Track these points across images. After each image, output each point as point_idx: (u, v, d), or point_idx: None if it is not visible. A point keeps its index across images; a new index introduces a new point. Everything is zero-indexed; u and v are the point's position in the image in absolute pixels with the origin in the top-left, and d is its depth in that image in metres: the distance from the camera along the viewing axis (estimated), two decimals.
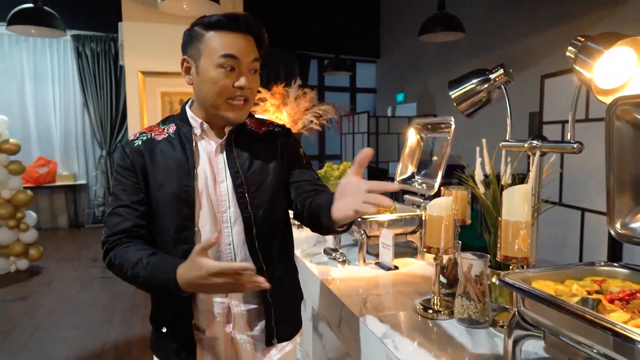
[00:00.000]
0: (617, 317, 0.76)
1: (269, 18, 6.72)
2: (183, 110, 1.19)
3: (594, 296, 0.84)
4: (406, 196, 1.88)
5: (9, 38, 6.09)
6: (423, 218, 1.17)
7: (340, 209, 0.95)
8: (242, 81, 1.07)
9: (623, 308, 0.80)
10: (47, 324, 3.12)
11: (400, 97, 7.65)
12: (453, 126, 1.67)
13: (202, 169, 1.13)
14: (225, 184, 1.14)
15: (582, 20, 4.13)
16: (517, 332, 0.92)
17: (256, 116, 1.29)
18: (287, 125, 3.33)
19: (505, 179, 1.24)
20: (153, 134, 1.17)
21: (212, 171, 1.14)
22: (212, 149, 1.15)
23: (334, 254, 1.73)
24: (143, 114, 3.81)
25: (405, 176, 1.95)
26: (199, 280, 0.93)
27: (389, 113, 7.95)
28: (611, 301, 0.82)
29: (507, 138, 1.29)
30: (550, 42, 4.47)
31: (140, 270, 1.02)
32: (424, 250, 1.18)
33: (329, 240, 2.04)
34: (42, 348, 2.81)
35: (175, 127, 1.17)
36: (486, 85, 1.36)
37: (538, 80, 2.71)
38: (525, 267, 1.02)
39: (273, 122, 1.28)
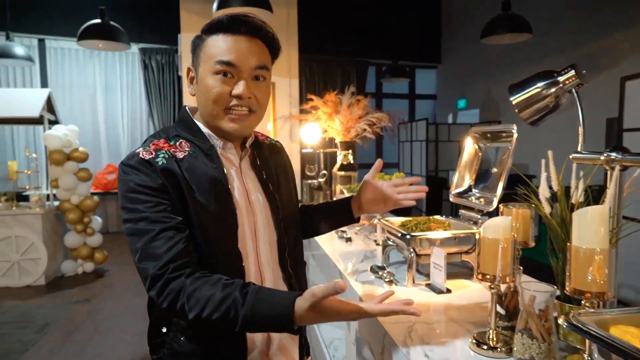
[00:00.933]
0: None
1: (325, 25, 6.71)
2: (188, 122, 1.06)
3: None
4: (462, 211, 1.72)
5: (83, 53, 6.51)
6: (477, 236, 1.04)
7: (370, 208, 1.24)
8: (239, 88, 0.96)
9: None
10: (105, 327, 3.23)
11: (461, 103, 7.34)
12: (515, 135, 1.50)
13: (235, 186, 1.05)
14: (258, 201, 1.06)
15: None
16: None
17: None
18: (341, 133, 3.27)
19: (577, 197, 1.07)
20: (172, 151, 1.01)
21: (244, 187, 1.06)
22: (237, 163, 1.07)
23: (380, 273, 1.60)
24: None
25: (461, 189, 1.79)
26: (323, 319, 0.91)
27: (450, 120, 7.65)
28: None
29: (579, 149, 1.12)
30: (632, 41, 4.07)
31: (237, 309, 0.85)
32: (478, 277, 1.03)
33: (378, 256, 1.92)
34: (98, 351, 2.90)
35: (189, 143, 1.04)
36: (554, 89, 1.20)
37: (616, 83, 2.44)
38: (601, 304, 0.85)
39: (262, 134, 1.23)
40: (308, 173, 3.52)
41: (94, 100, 6.68)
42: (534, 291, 0.96)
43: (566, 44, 4.87)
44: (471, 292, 1.46)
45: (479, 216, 1.61)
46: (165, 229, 0.91)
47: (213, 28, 0.99)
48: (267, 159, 1.13)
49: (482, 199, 1.65)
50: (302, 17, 4.06)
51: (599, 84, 3.86)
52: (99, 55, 6.59)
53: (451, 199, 1.80)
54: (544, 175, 1.08)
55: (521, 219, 1.17)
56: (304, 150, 3.79)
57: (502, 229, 0.99)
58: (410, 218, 1.74)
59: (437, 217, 1.77)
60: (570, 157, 1.11)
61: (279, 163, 1.17)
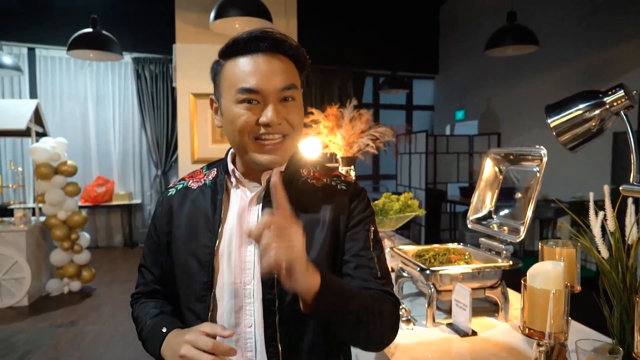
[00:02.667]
0: None
1: (322, 36, 6.60)
2: (226, 154, 1.00)
3: None
4: (482, 240, 1.58)
5: (74, 62, 6.34)
6: (523, 285, 0.88)
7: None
8: (267, 115, 0.83)
9: None
10: (91, 355, 3.03)
11: (459, 114, 7.25)
12: (545, 159, 1.36)
13: (229, 227, 0.92)
14: (253, 248, 0.90)
15: None
16: None
17: (323, 165, 1.01)
18: (343, 148, 3.13)
19: (633, 237, 0.93)
20: (191, 182, 1.00)
21: (240, 230, 0.91)
22: (247, 200, 0.93)
23: None
24: (193, 136, 3.73)
25: (480, 215, 1.65)
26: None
27: (448, 131, 7.55)
28: None
29: (632, 180, 0.98)
30: (637, 52, 3.99)
31: (143, 332, 0.95)
32: (524, 333, 0.88)
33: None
34: None
35: (215, 173, 0.99)
36: (598, 111, 1.06)
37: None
38: None
39: (341, 174, 0.99)
40: None
41: (85, 111, 6.50)
42: (593, 353, 0.82)
43: (569, 56, 4.79)
44: (499, 333, 1.31)
45: (503, 246, 1.47)
46: (142, 265, 1.04)
47: (229, 51, 0.86)
48: (297, 202, 0.89)
49: (505, 227, 1.51)
50: (300, 27, 3.94)
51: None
52: (91, 64, 6.43)
53: (469, 225, 1.65)
54: (599, 215, 0.94)
55: (566, 260, 1.02)
56: None
57: (553, 277, 0.85)
58: (426, 247, 1.59)
59: (456, 245, 1.63)
60: (621, 189, 0.98)
61: (321, 209, 0.91)
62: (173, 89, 6.48)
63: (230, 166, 0.95)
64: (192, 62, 3.71)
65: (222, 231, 0.91)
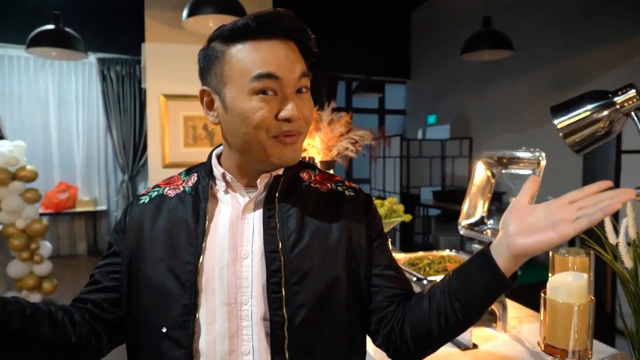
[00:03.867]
0: None
1: None
2: (209, 157, 0.88)
3: None
4: (475, 246, 1.53)
5: (34, 61, 6.03)
6: (543, 298, 0.81)
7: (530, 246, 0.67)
8: (288, 110, 0.73)
9: None
10: None
11: (431, 119, 7.30)
12: (543, 162, 1.32)
13: (217, 239, 0.79)
14: (251, 263, 0.78)
15: None
16: None
17: (318, 167, 0.93)
18: (321, 152, 3.04)
19: None
20: (167, 189, 0.87)
21: (233, 241, 0.79)
22: (240, 208, 0.81)
23: None
24: (165, 140, 3.56)
25: (472, 220, 1.60)
26: None
27: (420, 136, 7.59)
28: None
29: None
30: (612, 57, 4.08)
31: None
32: (544, 350, 0.82)
33: None
34: None
35: (195, 179, 0.86)
36: (607, 112, 1.02)
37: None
38: None
39: (341, 179, 0.92)
40: None
41: (45, 113, 6.17)
42: None
43: (541, 61, 4.87)
44: (499, 345, 1.25)
45: None
46: (93, 273, 0.86)
47: (237, 34, 0.74)
48: (302, 209, 0.81)
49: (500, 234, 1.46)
50: None
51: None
52: (52, 64, 6.12)
53: (461, 232, 1.60)
54: (622, 224, 0.88)
55: (579, 269, 0.96)
56: None
57: (577, 291, 0.79)
58: (418, 255, 1.53)
59: (451, 254, 1.57)
60: (638, 196, 0.93)
61: (330, 218, 0.82)
62: (141, 91, 6.24)
63: (219, 169, 0.84)
64: (162, 62, 3.55)
65: (207, 245, 0.79)
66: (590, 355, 0.79)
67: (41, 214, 4.57)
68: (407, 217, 2.04)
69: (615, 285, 2.52)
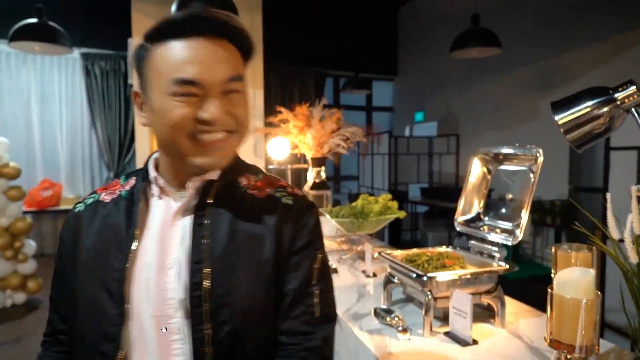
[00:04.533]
0: None
1: (282, 35, 6.49)
2: (147, 160, 0.85)
3: None
4: (472, 242, 1.53)
5: (15, 57, 5.89)
6: (550, 294, 0.81)
7: None
8: (208, 111, 0.70)
9: None
10: None
11: (419, 116, 7.33)
12: (541, 158, 1.32)
13: (147, 245, 0.76)
14: (176, 273, 0.74)
15: (634, 32, 3.81)
16: None
17: (264, 172, 0.88)
18: (313, 149, 3.03)
19: None
20: (104, 194, 0.83)
21: (161, 249, 0.76)
22: (171, 213, 0.78)
23: (388, 318, 1.37)
24: (152, 138, 3.51)
25: (468, 217, 1.60)
26: None
27: (407, 133, 7.63)
28: None
29: None
30: (598, 55, 4.14)
31: None
32: (550, 345, 0.82)
33: (372, 292, 1.69)
34: None
35: (133, 182, 0.83)
36: (607, 108, 1.02)
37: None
38: None
39: (287, 185, 0.85)
40: None
41: (28, 109, 6.04)
42: None
43: (528, 59, 4.92)
44: (499, 341, 1.25)
45: (496, 249, 1.43)
46: (50, 298, 0.88)
47: (160, 32, 0.71)
48: (234, 216, 0.76)
49: (497, 230, 1.47)
50: (265, 25, 3.82)
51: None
52: (34, 60, 5.98)
53: (458, 228, 1.60)
54: (611, 217, 0.89)
55: (582, 264, 0.97)
56: (270, 167, 3.52)
57: (584, 285, 0.79)
58: (416, 251, 1.52)
59: (446, 249, 1.57)
60: (634, 188, 0.94)
61: (263, 225, 0.76)
62: (127, 87, 6.15)
63: (153, 172, 0.80)
64: None
65: (138, 251, 0.75)
66: (597, 351, 0.80)
67: (24, 212, 4.47)
68: (402, 214, 2.04)
69: (605, 279, 2.57)
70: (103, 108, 6.21)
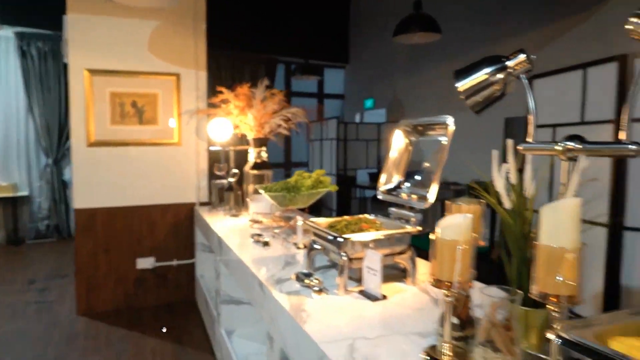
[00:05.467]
0: None
1: (232, 20, 6.41)
2: None
3: None
4: (392, 209, 1.61)
5: None
6: (432, 238, 0.89)
7: None
8: None
9: None
10: None
11: (368, 103, 7.45)
12: (452, 127, 1.41)
13: None
14: None
15: (567, 21, 4.03)
16: None
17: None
18: (254, 129, 3.03)
19: (531, 191, 0.98)
20: None
21: None
22: None
23: (307, 281, 1.42)
24: (89, 118, 3.39)
25: (390, 186, 1.68)
26: None
27: (357, 119, 7.74)
28: None
29: (528, 139, 1.03)
30: (535, 43, 4.35)
31: None
32: (433, 285, 0.89)
33: (301, 261, 1.74)
34: None
35: None
36: (502, 75, 1.11)
37: (520, 83, 2.52)
38: (567, 309, 0.75)
39: None
40: (217, 172, 3.24)
41: None
42: (498, 297, 0.84)
43: (468, 46, 5.10)
44: (408, 297, 1.33)
45: (412, 214, 1.50)
46: None
47: None
48: None
49: (414, 196, 1.55)
50: (212, 10, 3.75)
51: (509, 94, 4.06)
52: None
53: (380, 196, 1.67)
54: (501, 168, 0.97)
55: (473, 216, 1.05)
56: (212, 148, 3.50)
57: (463, 229, 0.86)
58: (338, 218, 1.58)
59: (366, 216, 1.64)
60: (520, 147, 1.02)
61: None
62: (65, 68, 5.88)
63: None
64: (87, 34, 3.36)
65: None
66: (470, 285, 0.88)
67: None
68: (333, 188, 2.10)
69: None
70: (41, 92, 5.92)
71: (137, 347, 2.82)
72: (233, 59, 6.93)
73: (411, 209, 1.51)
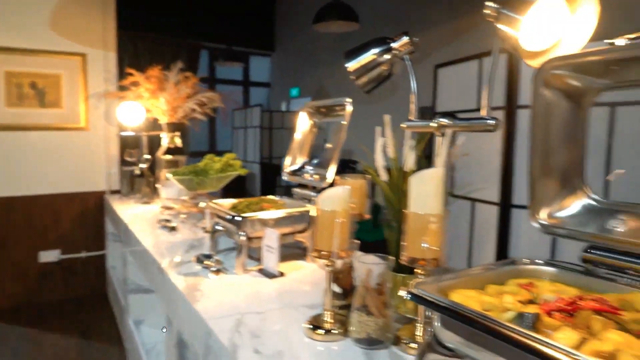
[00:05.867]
0: (565, 339, 0.56)
1: (153, 2, 6.11)
2: None
3: (529, 308, 0.64)
4: (295, 190, 1.63)
5: None
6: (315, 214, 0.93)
7: None
8: None
9: (566, 322, 0.61)
10: None
11: (294, 92, 7.46)
12: (349, 108, 1.45)
13: None
14: None
15: (475, 15, 4.26)
16: (432, 358, 0.70)
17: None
18: (167, 114, 2.93)
19: (410, 164, 1.03)
20: None
21: None
22: None
23: (207, 262, 1.41)
24: None
25: (295, 167, 1.70)
26: None
27: (284, 108, 7.73)
28: (549, 313, 0.63)
29: (410, 117, 1.09)
30: (444, 34, 4.55)
31: None
32: (313, 254, 0.92)
33: (206, 244, 1.71)
34: None
35: None
36: (388, 56, 1.15)
37: (431, 74, 2.64)
38: (433, 271, 0.81)
39: None
40: (127, 159, 3.09)
41: None
42: (370, 263, 0.88)
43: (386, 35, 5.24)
44: (306, 273, 1.36)
45: (315, 194, 1.53)
46: None
47: None
48: None
49: (316, 176, 1.57)
50: None
51: (418, 76, 4.22)
52: None
53: (284, 177, 1.69)
54: (379, 141, 1.02)
55: (357, 190, 1.09)
56: (123, 133, 3.33)
57: (340, 200, 0.89)
58: (242, 200, 1.57)
59: (271, 197, 1.65)
60: (402, 125, 1.07)
61: None
62: None
63: None
64: None
65: None
66: (349, 254, 0.91)
67: None
68: (244, 171, 2.08)
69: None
70: None
71: (36, 344, 2.64)
72: (153, 43, 6.62)
73: (314, 188, 1.54)
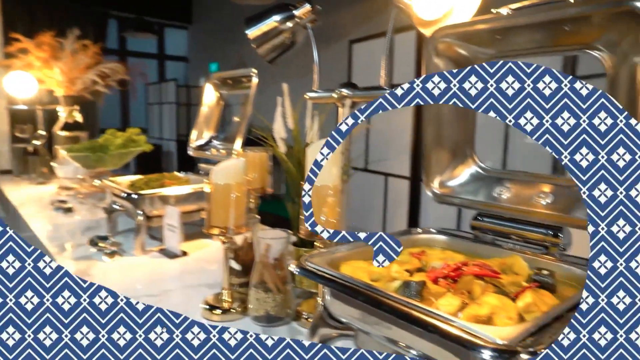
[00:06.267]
0: (446, 305, 0.56)
1: None
2: None
3: (416, 276, 0.65)
4: (201, 165, 1.54)
5: None
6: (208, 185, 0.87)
7: None
8: None
9: (450, 289, 0.61)
10: None
11: (213, 67, 7.18)
12: (255, 80, 1.39)
13: None
14: None
15: None
16: (324, 332, 0.68)
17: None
18: (63, 85, 2.67)
19: (312, 136, 1.00)
20: None
21: None
22: None
23: (102, 244, 1.30)
24: None
25: (201, 142, 1.61)
26: None
27: (202, 83, 7.43)
28: (435, 280, 0.64)
29: (314, 88, 1.06)
30: (359, 13, 4.56)
31: None
32: (208, 232, 0.86)
33: (103, 226, 1.59)
34: None
35: None
36: (290, 24, 1.10)
37: (346, 52, 2.64)
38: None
39: None
40: (19, 135, 2.79)
41: None
42: (268, 238, 0.85)
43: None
44: (210, 251, 1.31)
45: None
46: None
47: None
48: None
49: (223, 150, 1.50)
50: None
51: (333, 53, 4.21)
52: None
53: (190, 153, 1.60)
54: (279, 110, 0.97)
55: (258, 163, 1.05)
56: (14, 107, 2.99)
57: (233, 172, 0.84)
58: (141, 176, 1.47)
59: (175, 173, 1.56)
60: (306, 95, 1.04)
61: None
62: None
63: None
64: None
65: None
66: (245, 230, 0.87)
67: None
68: (148, 147, 1.95)
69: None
70: None
71: None
72: (53, 9, 6.00)
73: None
